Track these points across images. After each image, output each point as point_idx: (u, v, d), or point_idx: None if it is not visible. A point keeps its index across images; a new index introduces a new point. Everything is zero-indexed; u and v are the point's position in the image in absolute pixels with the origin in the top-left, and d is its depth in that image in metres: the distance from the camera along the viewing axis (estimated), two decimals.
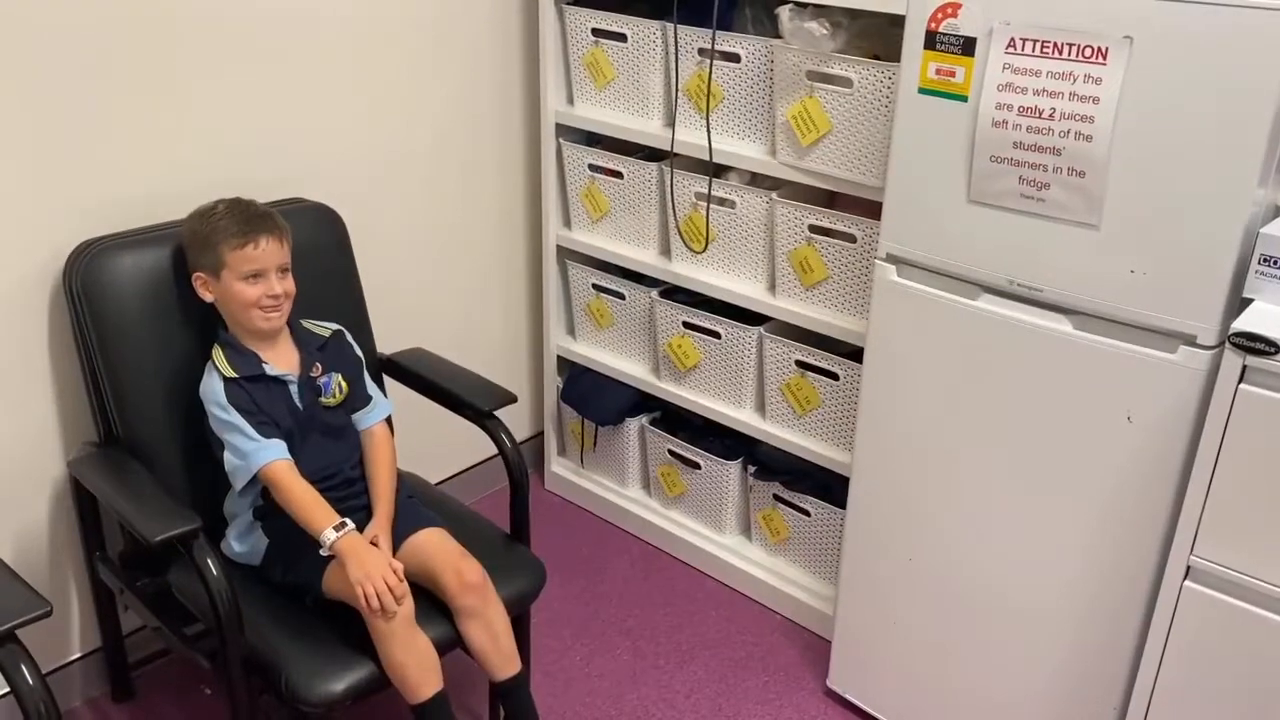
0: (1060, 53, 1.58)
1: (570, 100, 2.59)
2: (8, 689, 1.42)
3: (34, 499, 2.00)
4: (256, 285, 1.77)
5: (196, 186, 1.99)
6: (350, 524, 1.73)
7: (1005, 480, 1.84)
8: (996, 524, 1.88)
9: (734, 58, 2.22)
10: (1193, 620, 1.61)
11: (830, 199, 2.24)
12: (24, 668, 1.41)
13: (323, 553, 1.71)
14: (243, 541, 1.83)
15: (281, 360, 1.85)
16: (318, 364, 1.88)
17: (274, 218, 1.82)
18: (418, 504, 1.91)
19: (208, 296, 1.82)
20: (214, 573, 1.63)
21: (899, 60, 1.78)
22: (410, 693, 1.70)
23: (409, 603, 1.70)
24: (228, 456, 1.78)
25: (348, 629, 1.74)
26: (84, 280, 1.82)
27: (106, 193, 1.94)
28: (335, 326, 1.97)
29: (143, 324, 1.85)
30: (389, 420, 1.98)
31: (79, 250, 1.86)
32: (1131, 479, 1.69)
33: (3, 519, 1.96)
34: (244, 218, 1.78)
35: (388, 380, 2.18)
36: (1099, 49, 1.54)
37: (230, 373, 1.78)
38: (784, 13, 2.05)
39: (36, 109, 1.82)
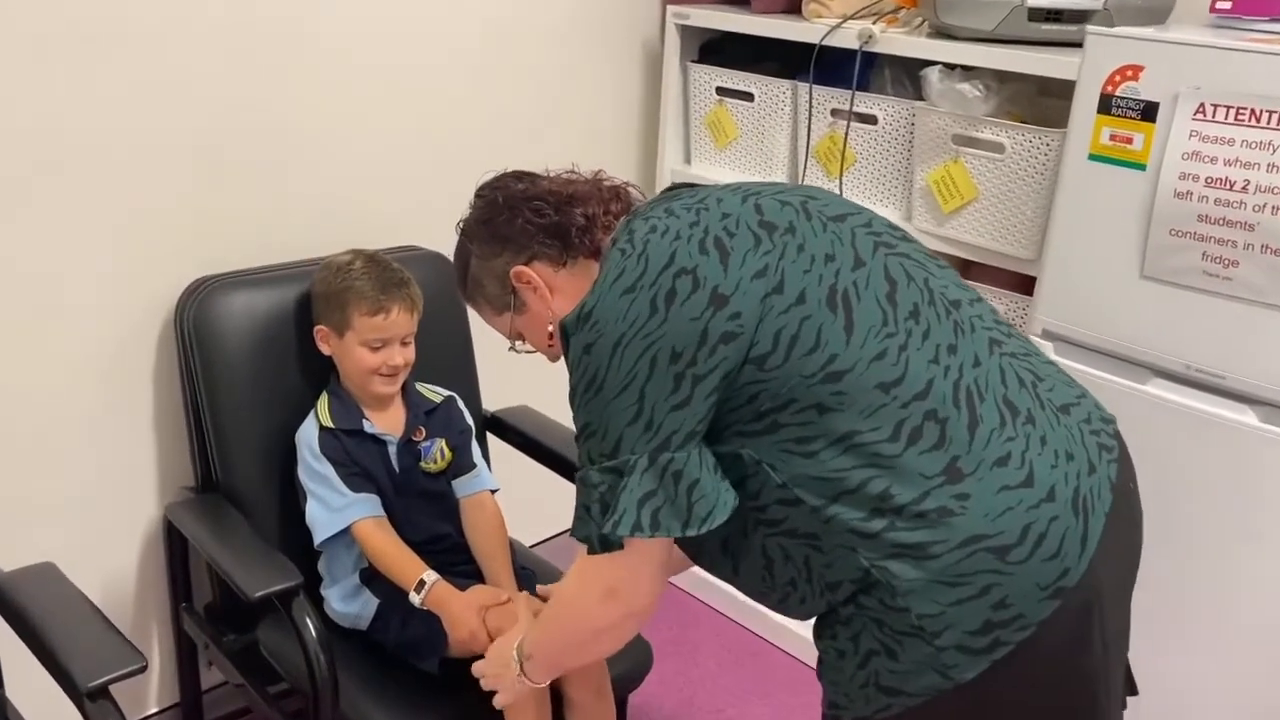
0: (1258, 120, 1.46)
1: (687, 159, 2.51)
2: None
3: (124, 543, 1.93)
4: (378, 353, 1.70)
5: (312, 229, 1.94)
6: (428, 580, 1.63)
7: (1171, 587, 1.67)
8: (1159, 638, 1.69)
9: (870, 119, 2.12)
10: None
11: (965, 268, 2.12)
12: None
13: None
14: (348, 603, 1.73)
15: (385, 420, 1.77)
16: (422, 428, 1.80)
17: (409, 287, 1.74)
18: (532, 577, 1.80)
19: (326, 350, 1.76)
20: (313, 634, 1.54)
21: (1046, 127, 1.66)
22: None
23: None
24: (311, 507, 1.70)
25: (445, 706, 1.62)
26: (196, 317, 1.76)
27: (221, 232, 1.88)
28: (448, 393, 1.89)
29: (253, 366, 1.78)
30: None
31: (193, 287, 1.81)
32: None
33: (92, 561, 1.88)
34: (380, 284, 1.70)
35: (490, 437, 2.09)
36: None
37: (329, 422, 1.72)
38: (932, 74, 1.96)
39: (160, 150, 1.78)
